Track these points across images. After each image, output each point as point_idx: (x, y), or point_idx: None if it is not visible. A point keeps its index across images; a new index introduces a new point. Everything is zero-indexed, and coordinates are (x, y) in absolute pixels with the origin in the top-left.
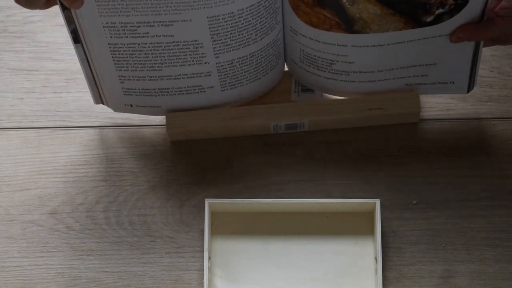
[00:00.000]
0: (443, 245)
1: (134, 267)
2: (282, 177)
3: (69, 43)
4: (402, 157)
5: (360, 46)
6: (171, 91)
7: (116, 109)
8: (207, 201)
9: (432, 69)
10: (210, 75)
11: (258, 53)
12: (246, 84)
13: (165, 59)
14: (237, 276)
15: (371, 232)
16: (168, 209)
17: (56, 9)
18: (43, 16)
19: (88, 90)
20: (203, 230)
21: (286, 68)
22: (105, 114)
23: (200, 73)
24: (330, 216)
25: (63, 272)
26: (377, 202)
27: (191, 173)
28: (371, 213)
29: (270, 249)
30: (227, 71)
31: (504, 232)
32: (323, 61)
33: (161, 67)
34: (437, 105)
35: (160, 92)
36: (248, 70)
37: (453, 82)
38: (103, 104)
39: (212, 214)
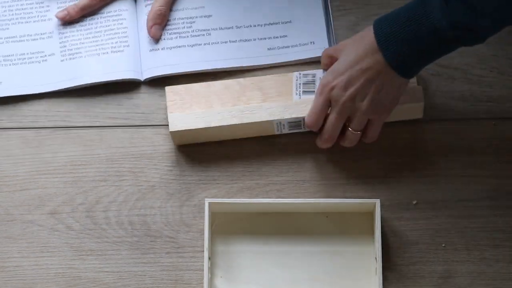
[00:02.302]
0: (443, 245)
1: (134, 267)
2: (282, 177)
3: None
4: (402, 157)
5: None
6: (14, 59)
7: None
8: (207, 201)
9: (290, 28)
10: (51, 36)
11: (99, 21)
12: (85, 57)
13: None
14: (237, 276)
15: (371, 232)
16: (168, 209)
17: None
18: None
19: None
20: (203, 230)
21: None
22: (105, 114)
23: (43, 33)
24: (330, 216)
25: (63, 272)
26: (377, 202)
27: (191, 173)
28: (371, 213)
29: (270, 249)
30: (67, 33)
31: (504, 232)
32: (183, 22)
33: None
34: (437, 105)
35: (3, 61)
36: (87, 37)
37: (313, 43)
38: None
39: (212, 214)
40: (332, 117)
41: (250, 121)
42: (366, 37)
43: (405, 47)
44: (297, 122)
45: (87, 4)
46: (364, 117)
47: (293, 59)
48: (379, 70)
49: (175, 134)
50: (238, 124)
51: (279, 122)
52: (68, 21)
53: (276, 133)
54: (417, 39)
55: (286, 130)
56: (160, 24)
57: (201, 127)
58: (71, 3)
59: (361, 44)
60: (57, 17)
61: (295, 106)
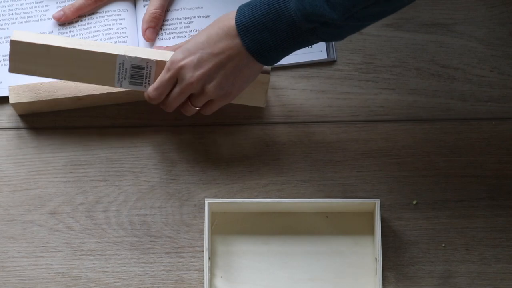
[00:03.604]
0: (443, 245)
1: (134, 267)
2: (282, 177)
3: None
4: (402, 157)
5: None
6: None
7: None
8: (207, 201)
9: None
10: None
11: (98, 20)
12: None
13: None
14: (237, 276)
15: (371, 232)
16: (168, 209)
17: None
18: None
19: None
20: (203, 230)
21: None
22: (105, 114)
23: (42, 33)
24: (330, 216)
25: (63, 272)
26: (377, 202)
27: (191, 173)
28: (371, 213)
29: (270, 249)
30: (67, 33)
31: (504, 232)
32: (181, 22)
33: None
34: (437, 105)
35: (3, 60)
36: (86, 37)
37: (311, 46)
38: None
39: (212, 214)
40: (175, 92)
41: (92, 50)
42: (223, 22)
43: (265, 35)
44: (140, 71)
45: (82, 5)
46: (206, 99)
47: (290, 63)
48: (231, 56)
49: (14, 47)
50: (79, 50)
51: (122, 64)
52: (64, 22)
53: (116, 84)
54: (276, 28)
55: (126, 83)
56: (154, 27)
57: (40, 42)
58: (67, 3)
59: (216, 28)
60: (53, 17)
61: (143, 51)
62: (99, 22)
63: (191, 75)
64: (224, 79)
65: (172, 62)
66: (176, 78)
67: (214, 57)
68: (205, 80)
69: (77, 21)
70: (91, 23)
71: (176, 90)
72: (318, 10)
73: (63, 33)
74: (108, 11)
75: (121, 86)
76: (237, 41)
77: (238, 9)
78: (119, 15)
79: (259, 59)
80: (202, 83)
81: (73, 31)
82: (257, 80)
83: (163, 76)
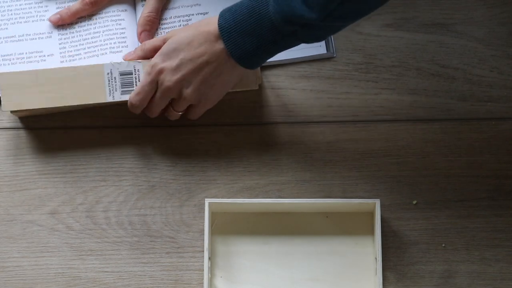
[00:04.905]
0: (443, 245)
1: (134, 267)
2: (282, 177)
3: None
4: (402, 157)
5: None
6: (13, 59)
7: None
8: (207, 201)
9: None
10: (50, 36)
11: (97, 21)
12: (85, 58)
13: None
14: (237, 276)
15: (371, 232)
16: (168, 209)
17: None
18: None
19: None
20: (203, 230)
21: None
22: (105, 113)
23: (42, 33)
24: (330, 216)
25: (63, 272)
26: (377, 202)
27: (191, 173)
28: (371, 213)
29: (270, 249)
30: (67, 34)
31: (504, 232)
32: (180, 20)
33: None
34: (437, 105)
35: (2, 60)
36: (86, 39)
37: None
38: None
39: (212, 214)
40: (157, 97)
41: (79, 64)
42: (203, 27)
43: (247, 40)
44: (129, 77)
45: (79, 9)
46: (186, 103)
47: (289, 58)
48: (210, 60)
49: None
50: (66, 67)
51: (110, 73)
52: (61, 25)
53: (108, 97)
54: (258, 33)
55: (118, 94)
56: (149, 30)
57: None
58: (67, 4)
59: (196, 32)
60: (50, 20)
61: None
62: (99, 23)
63: (169, 79)
64: (202, 83)
65: (152, 66)
66: (156, 82)
67: (192, 61)
68: (183, 84)
69: (76, 22)
70: (90, 24)
71: (157, 94)
72: (297, 11)
73: (62, 34)
74: (108, 12)
75: (113, 99)
76: (217, 46)
77: (219, 14)
78: (118, 15)
79: (243, 63)
80: (180, 87)
81: (72, 32)
82: None
83: (144, 80)
